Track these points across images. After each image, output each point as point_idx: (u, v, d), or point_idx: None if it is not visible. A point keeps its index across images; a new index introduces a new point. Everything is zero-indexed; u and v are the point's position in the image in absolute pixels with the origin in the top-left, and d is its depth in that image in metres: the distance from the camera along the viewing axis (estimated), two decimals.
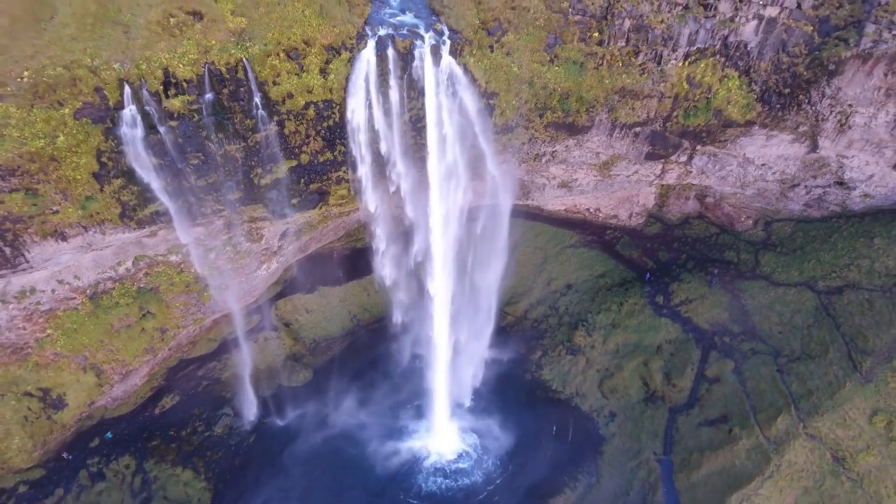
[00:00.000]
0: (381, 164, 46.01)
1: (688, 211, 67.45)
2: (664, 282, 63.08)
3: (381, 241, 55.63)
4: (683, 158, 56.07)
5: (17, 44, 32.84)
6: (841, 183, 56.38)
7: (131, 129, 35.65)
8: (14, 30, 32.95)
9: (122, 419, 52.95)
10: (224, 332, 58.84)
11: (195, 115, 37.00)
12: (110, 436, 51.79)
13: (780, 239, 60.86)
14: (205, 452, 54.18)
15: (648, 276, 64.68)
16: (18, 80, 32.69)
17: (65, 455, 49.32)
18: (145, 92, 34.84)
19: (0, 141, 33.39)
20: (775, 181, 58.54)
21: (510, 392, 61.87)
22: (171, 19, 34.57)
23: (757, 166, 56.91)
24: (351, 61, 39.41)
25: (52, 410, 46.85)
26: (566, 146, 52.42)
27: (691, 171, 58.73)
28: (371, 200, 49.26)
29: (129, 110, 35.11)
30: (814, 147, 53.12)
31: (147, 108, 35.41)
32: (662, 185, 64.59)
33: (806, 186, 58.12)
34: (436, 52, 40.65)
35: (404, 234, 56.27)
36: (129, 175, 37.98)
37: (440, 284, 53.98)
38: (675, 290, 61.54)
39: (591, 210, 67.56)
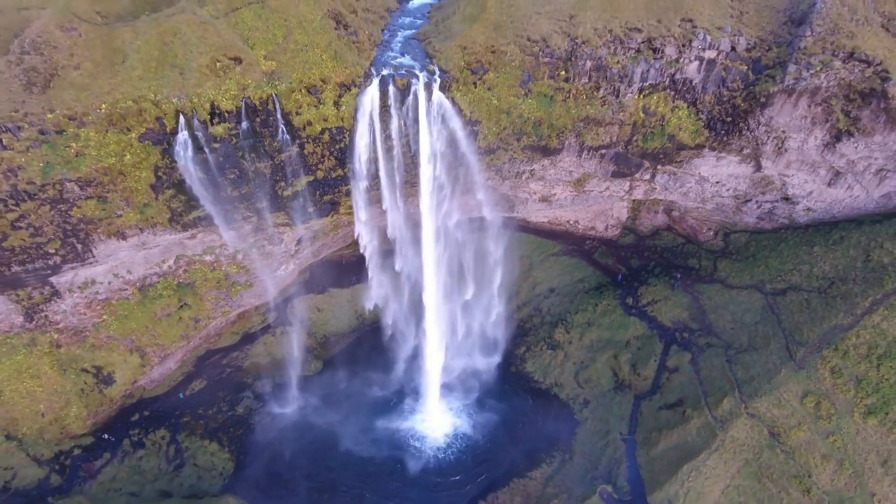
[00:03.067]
0: (381, 181, 53.90)
1: (658, 224, 75.51)
2: (634, 285, 70.94)
3: (375, 250, 63.12)
4: (647, 176, 64.23)
5: (98, 82, 41.78)
6: (787, 198, 64.24)
7: (183, 149, 44.06)
8: (95, 71, 41.97)
9: (159, 399, 61.25)
10: (246, 326, 67.40)
11: (234, 138, 45.48)
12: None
13: (737, 248, 68.61)
14: (228, 429, 62.24)
15: (620, 277, 72.60)
16: (97, 110, 41.45)
17: (105, 437, 56.79)
18: (195, 120, 43.56)
19: (82, 158, 42.34)
20: (730, 197, 66.48)
21: (497, 382, 69.49)
22: (218, 63, 43.21)
23: (712, 184, 64.92)
24: (359, 95, 47.88)
25: (102, 385, 55.23)
26: (542, 165, 60.59)
27: (656, 188, 66.85)
28: (370, 213, 56.85)
29: (182, 135, 43.52)
30: (758, 167, 61.14)
31: (196, 133, 43.87)
32: (633, 201, 72.78)
33: (757, 201, 66.01)
34: (428, 88, 48.82)
35: (400, 243, 63.02)
36: (179, 186, 46.74)
37: (431, 292, 61.10)
38: (643, 293, 69.36)
39: (572, 222, 75.71)
